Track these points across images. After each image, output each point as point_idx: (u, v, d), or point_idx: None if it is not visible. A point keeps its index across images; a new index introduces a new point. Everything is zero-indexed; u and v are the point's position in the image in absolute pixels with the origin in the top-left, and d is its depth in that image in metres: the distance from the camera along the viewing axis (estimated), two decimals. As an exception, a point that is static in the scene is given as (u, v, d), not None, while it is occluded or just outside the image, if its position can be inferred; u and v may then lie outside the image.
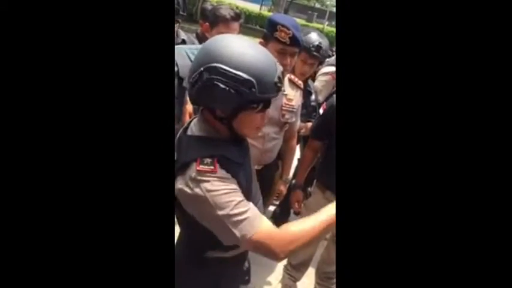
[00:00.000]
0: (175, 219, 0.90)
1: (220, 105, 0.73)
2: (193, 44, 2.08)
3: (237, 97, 0.69)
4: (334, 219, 0.71)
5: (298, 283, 1.81)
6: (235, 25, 1.57)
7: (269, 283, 1.89)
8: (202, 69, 0.69)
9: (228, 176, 0.72)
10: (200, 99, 0.74)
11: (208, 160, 0.70)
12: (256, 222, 0.71)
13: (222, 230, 0.71)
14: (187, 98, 1.49)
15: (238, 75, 0.68)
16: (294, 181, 1.69)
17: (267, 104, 0.76)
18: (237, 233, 0.70)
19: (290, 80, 1.47)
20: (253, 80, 0.69)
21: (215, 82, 0.68)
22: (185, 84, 1.38)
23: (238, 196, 0.72)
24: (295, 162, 1.82)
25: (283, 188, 1.68)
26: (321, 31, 1.98)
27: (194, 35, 2.34)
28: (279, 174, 1.70)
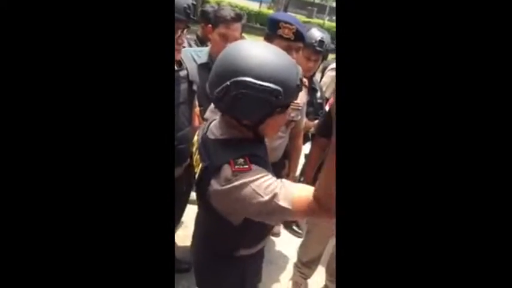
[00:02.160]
0: (202, 220, 0.92)
1: (249, 116, 0.75)
2: (190, 46, 2.09)
3: (265, 107, 0.71)
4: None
5: (308, 280, 1.82)
6: (236, 26, 1.57)
7: (279, 281, 1.90)
8: (228, 83, 0.70)
9: (261, 168, 0.74)
10: (229, 111, 0.75)
11: (241, 160, 0.72)
12: (291, 190, 0.71)
13: (272, 211, 0.70)
14: (196, 102, 1.50)
15: (266, 87, 0.69)
16: (301, 178, 1.69)
17: (288, 105, 0.79)
18: (286, 205, 0.69)
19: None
20: (280, 88, 0.70)
21: (244, 96, 0.69)
22: (195, 87, 1.39)
23: (273, 177, 0.73)
24: (301, 160, 1.82)
25: None
26: (321, 26, 1.99)
27: (194, 36, 2.36)
28: (285, 172, 1.71)
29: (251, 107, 0.71)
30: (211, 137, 0.81)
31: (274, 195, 0.69)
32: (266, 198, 0.69)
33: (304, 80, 1.51)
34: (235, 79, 0.69)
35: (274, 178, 0.73)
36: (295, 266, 1.80)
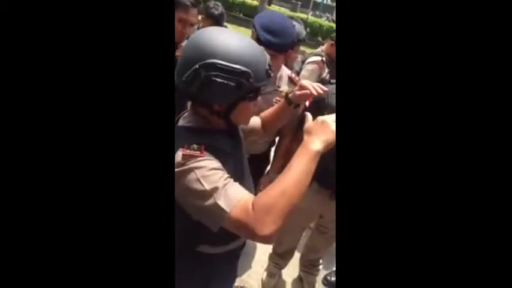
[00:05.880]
0: None
1: (220, 99, 0.73)
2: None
3: (236, 90, 0.70)
4: (306, 166, 0.67)
5: (282, 270, 1.87)
6: (195, 11, 1.54)
7: (254, 272, 1.93)
8: (197, 66, 0.69)
9: (216, 160, 0.72)
10: (199, 96, 0.73)
11: (195, 146, 0.71)
12: (236, 194, 0.68)
13: (207, 208, 0.68)
14: None
15: (236, 68, 0.69)
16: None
17: (258, 91, 0.78)
18: (224, 206, 0.66)
19: (290, 78, 1.50)
20: (249, 70, 0.70)
21: (214, 78, 0.68)
22: None
23: (224, 173, 0.71)
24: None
25: (264, 186, 1.66)
26: (305, 21, 2.14)
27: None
28: (268, 167, 1.73)
29: (221, 90, 0.70)
30: (179, 124, 0.81)
31: (216, 189, 0.67)
32: (207, 188, 0.67)
33: (297, 78, 1.53)
34: (204, 61, 0.68)
35: (226, 175, 0.70)
36: (270, 256, 1.84)
